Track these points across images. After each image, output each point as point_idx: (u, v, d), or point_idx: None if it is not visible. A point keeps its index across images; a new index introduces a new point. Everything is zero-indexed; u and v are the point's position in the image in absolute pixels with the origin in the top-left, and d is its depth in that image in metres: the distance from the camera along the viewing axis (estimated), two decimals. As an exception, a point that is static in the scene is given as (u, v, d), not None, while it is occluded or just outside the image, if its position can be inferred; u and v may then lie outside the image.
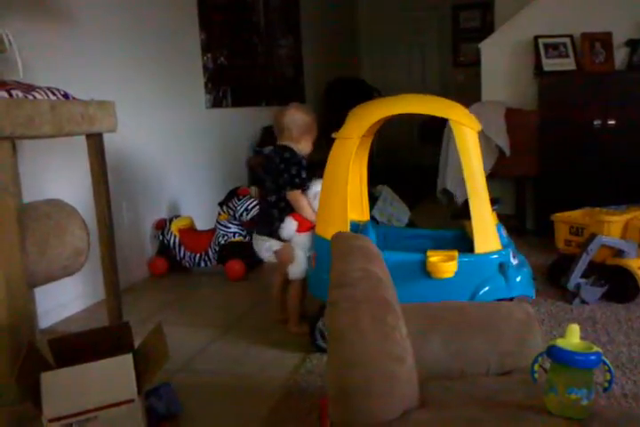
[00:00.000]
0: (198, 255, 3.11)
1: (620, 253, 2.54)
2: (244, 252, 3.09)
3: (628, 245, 2.53)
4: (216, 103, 3.88)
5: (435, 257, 2.00)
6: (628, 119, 3.46)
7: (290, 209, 2.30)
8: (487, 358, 1.45)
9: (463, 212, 2.16)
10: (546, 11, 3.73)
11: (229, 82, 4.03)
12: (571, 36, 3.69)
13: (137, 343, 1.79)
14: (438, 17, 6.39)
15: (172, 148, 3.47)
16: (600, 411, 1.10)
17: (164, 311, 2.67)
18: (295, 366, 2.06)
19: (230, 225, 3.08)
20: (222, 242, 3.07)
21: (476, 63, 4.07)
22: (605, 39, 3.63)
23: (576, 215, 2.68)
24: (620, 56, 3.65)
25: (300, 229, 2.28)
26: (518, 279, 2.04)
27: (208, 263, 3.12)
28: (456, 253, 1.99)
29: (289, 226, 2.27)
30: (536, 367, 1.13)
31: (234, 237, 3.08)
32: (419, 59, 6.55)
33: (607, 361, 1.08)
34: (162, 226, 3.18)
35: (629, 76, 3.58)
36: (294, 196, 2.28)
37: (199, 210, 3.54)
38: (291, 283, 2.36)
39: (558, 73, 3.65)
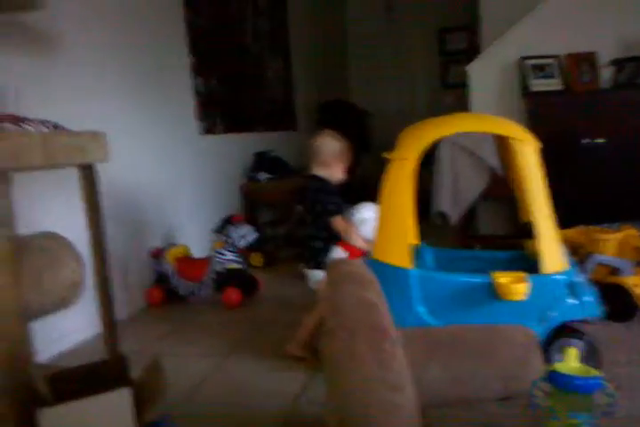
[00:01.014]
0: (195, 284, 3.10)
1: (615, 271, 2.54)
2: (241, 279, 3.08)
3: (624, 263, 2.53)
4: (209, 130, 3.91)
5: (503, 278, 1.95)
6: (616, 137, 3.50)
7: (336, 238, 2.27)
8: (489, 382, 1.44)
9: (524, 231, 2.13)
10: (531, 32, 3.79)
11: (221, 107, 4.06)
12: (557, 57, 3.76)
13: (135, 375, 1.76)
14: (425, 40, 6.50)
15: (167, 175, 3.48)
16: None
17: (162, 342, 2.65)
18: (295, 396, 2.03)
19: (226, 252, 3.07)
20: (219, 270, 3.06)
21: (463, 85, 4.12)
22: (590, 59, 3.70)
23: (571, 234, 2.69)
24: (606, 75, 3.71)
25: (350, 258, 2.22)
26: (587, 299, 1.99)
27: (205, 292, 3.10)
28: (524, 275, 1.95)
29: (338, 256, 2.22)
30: (535, 393, 1.13)
31: (230, 264, 3.07)
32: (407, 81, 6.63)
33: (607, 384, 1.08)
34: (158, 255, 3.17)
35: (616, 95, 3.63)
36: (337, 223, 2.25)
37: (194, 238, 3.54)
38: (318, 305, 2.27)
39: (545, 93, 3.70)
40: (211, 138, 3.95)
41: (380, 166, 2.11)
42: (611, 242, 2.60)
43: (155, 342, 2.65)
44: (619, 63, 3.66)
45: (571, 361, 1.11)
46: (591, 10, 3.63)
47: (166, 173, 3.48)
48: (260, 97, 4.69)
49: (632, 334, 2.40)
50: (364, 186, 5.05)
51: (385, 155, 2.08)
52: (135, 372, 1.77)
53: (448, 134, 2.09)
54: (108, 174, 2.88)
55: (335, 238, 2.27)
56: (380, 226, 2.10)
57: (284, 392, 2.06)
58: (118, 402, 1.61)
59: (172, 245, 3.25)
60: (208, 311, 3.05)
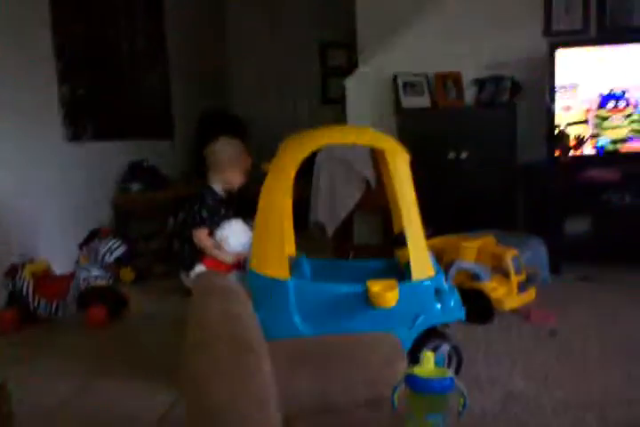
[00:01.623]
0: (55, 303, 2.86)
1: (475, 276, 2.71)
2: (108, 296, 2.90)
3: (482, 269, 2.71)
4: (76, 136, 3.68)
5: (376, 287, 1.98)
6: (478, 152, 3.76)
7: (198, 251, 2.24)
8: (355, 389, 1.46)
9: (396, 240, 2.20)
10: (403, 51, 3.97)
11: (90, 114, 3.85)
12: (426, 75, 3.98)
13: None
14: (307, 54, 6.62)
15: (26, 184, 3.22)
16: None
17: (16, 368, 2.38)
18: (163, 415, 1.93)
19: (91, 268, 2.88)
20: (83, 287, 2.85)
21: (343, 100, 4.23)
22: (456, 78, 3.96)
23: (435, 242, 2.82)
24: (470, 94, 3.98)
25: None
26: (452, 303, 2.09)
27: (67, 311, 2.88)
28: (395, 282, 1.99)
29: (200, 271, 2.21)
30: (395, 396, 1.15)
31: (95, 280, 2.88)
32: (289, 94, 6.70)
33: (461, 385, 1.13)
34: (12, 272, 2.89)
35: (478, 113, 3.91)
36: (198, 236, 2.29)
37: (57, 253, 3.27)
38: None
39: (415, 110, 3.90)
40: (78, 145, 3.72)
41: (261, 178, 2.10)
42: (470, 249, 2.77)
43: (6, 369, 2.39)
44: (480, 83, 3.95)
45: (427, 364, 1.14)
46: (457, 32, 3.88)
47: (27, 182, 3.22)
48: (135, 104, 4.50)
49: (489, 335, 2.57)
50: (244, 197, 5.02)
51: (263, 166, 2.07)
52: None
53: (325, 145, 2.12)
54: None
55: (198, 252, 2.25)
56: (257, 237, 2.08)
57: (147, 416, 1.95)
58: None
59: (30, 260, 2.99)
60: (70, 332, 2.82)
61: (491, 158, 3.75)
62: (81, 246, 2.92)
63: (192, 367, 1.06)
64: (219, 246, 2.28)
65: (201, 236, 2.28)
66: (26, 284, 2.85)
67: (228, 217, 2.40)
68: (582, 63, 3.54)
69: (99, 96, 3.96)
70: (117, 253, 2.87)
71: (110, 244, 2.88)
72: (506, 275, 2.73)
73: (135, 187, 4.08)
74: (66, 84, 3.59)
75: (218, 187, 2.53)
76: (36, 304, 2.85)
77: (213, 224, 2.34)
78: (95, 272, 2.88)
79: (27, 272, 2.88)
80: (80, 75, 3.74)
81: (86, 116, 3.80)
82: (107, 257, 2.87)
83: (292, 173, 2.07)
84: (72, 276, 2.89)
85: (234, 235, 2.28)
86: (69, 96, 3.63)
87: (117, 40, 4.31)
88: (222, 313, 1.21)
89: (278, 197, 2.05)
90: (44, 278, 2.92)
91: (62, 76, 3.56)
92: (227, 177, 2.42)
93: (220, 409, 1.02)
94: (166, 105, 5.04)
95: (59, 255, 3.24)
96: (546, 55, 3.57)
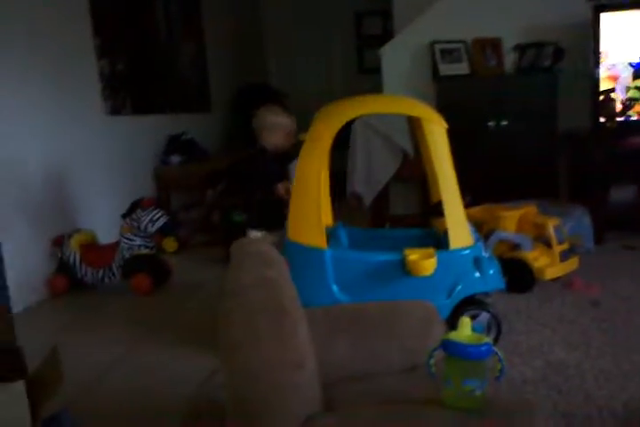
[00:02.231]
0: (101, 271, 2.96)
1: (516, 246, 2.67)
2: (151, 265, 2.99)
3: (523, 239, 2.66)
4: (115, 110, 3.74)
5: (413, 255, 1.99)
6: (519, 120, 3.66)
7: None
8: (391, 356, 1.47)
9: (434, 209, 2.20)
10: (440, 18, 3.87)
11: (130, 89, 3.89)
12: (464, 42, 3.86)
13: (32, 368, 1.67)
14: (342, 24, 6.50)
15: (70, 158, 3.30)
16: (494, 400, 1.14)
17: (66, 332, 2.52)
18: (204, 380, 1.99)
19: (135, 238, 2.96)
20: (127, 256, 2.94)
21: (379, 70, 4.16)
22: (495, 44, 3.83)
23: (475, 212, 2.79)
24: (510, 60, 3.86)
25: None
26: (491, 273, 2.08)
27: (112, 279, 2.98)
28: (433, 251, 2.00)
29: None
30: (432, 362, 1.16)
31: (139, 249, 2.96)
32: (325, 65, 6.63)
33: (498, 351, 1.12)
34: (60, 242, 3.00)
35: (518, 80, 3.79)
36: (280, 188, 2.49)
37: (102, 223, 3.38)
38: None
39: (454, 77, 3.80)
40: (118, 119, 3.77)
41: (299, 148, 2.11)
42: (511, 219, 2.72)
43: (57, 332, 2.52)
44: (521, 49, 3.82)
45: (464, 330, 1.14)
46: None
47: (71, 155, 3.30)
48: (172, 78, 4.53)
49: (530, 304, 2.54)
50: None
51: (300, 136, 2.07)
52: (32, 364, 1.68)
53: (361, 115, 2.11)
54: (5, 153, 2.72)
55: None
56: (294, 206, 2.09)
57: (191, 379, 2.01)
58: (11, 397, 1.52)
59: (77, 231, 3.09)
60: (116, 300, 2.93)
61: (532, 126, 3.65)
62: (124, 217, 3.00)
63: (228, 332, 1.08)
64: None
65: (284, 189, 2.45)
66: (73, 253, 2.96)
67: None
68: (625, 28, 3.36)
69: (136, 71, 4.00)
70: (159, 224, 2.93)
71: (152, 214, 2.95)
72: (548, 244, 2.68)
73: (175, 159, 4.14)
74: (104, 58, 3.63)
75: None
76: (83, 272, 2.97)
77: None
78: (138, 241, 2.96)
79: (73, 242, 2.98)
80: (118, 50, 3.78)
81: (125, 90, 3.84)
82: (149, 227, 2.94)
83: (329, 143, 2.06)
84: (116, 245, 2.98)
85: None
86: (108, 71, 3.68)
87: (154, 14, 4.32)
88: (259, 279, 1.22)
89: (315, 166, 2.04)
90: (90, 248, 3.02)
91: (101, 52, 3.59)
92: (269, 140, 2.57)
93: (256, 373, 1.04)
94: (203, 78, 5.05)
95: (104, 226, 3.34)
96: (589, 19, 3.41)
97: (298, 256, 2.05)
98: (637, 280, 2.75)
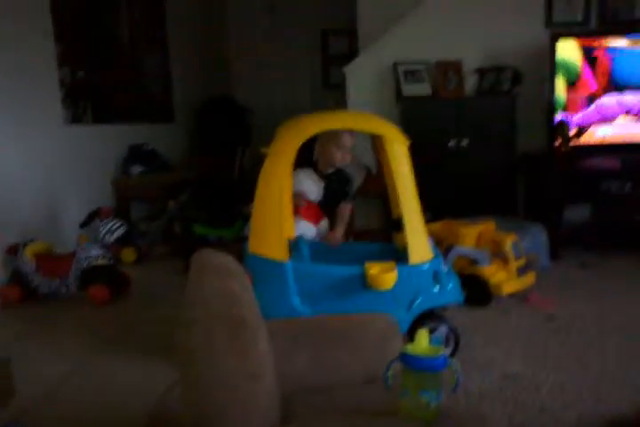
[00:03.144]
0: (57, 282, 2.88)
1: (474, 262, 2.73)
2: (109, 275, 2.92)
3: (481, 255, 2.72)
4: (76, 119, 3.68)
5: (374, 269, 2.01)
6: (479, 140, 3.75)
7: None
8: (351, 368, 1.48)
9: (395, 224, 2.23)
10: (403, 38, 3.95)
11: (91, 97, 3.84)
12: (427, 63, 3.95)
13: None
14: (308, 41, 6.58)
15: (28, 166, 3.22)
16: (449, 412, 1.15)
17: (18, 344, 2.43)
18: (162, 393, 1.95)
19: (92, 248, 2.89)
20: (84, 266, 2.87)
21: (345, 85, 4.21)
22: (457, 67, 3.93)
23: (435, 227, 2.84)
24: (470, 82, 3.96)
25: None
26: (450, 286, 2.12)
27: (68, 289, 2.90)
28: (394, 265, 2.02)
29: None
30: (389, 374, 1.17)
31: (97, 260, 2.90)
32: (291, 80, 6.67)
33: (454, 363, 1.14)
34: (14, 251, 2.91)
35: (478, 102, 3.90)
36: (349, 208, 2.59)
37: (59, 233, 3.30)
38: None
39: (416, 98, 3.88)
40: (79, 128, 3.71)
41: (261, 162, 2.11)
42: (470, 235, 2.78)
43: (8, 344, 2.42)
44: (481, 72, 3.93)
45: (421, 342, 1.15)
46: (459, 20, 3.86)
47: (28, 164, 3.22)
48: (135, 88, 4.49)
49: (487, 319, 2.59)
50: (245, 181, 5.03)
51: (262, 149, 2.07)
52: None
53: (325, 130, 2.12)
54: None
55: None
56: (256, 219, 2.09)
57: (150, 391, 1.97)
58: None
59: (32, 240, 3.01)
60: (72, 310, 2.85)
61: (491, 146, 3.76)
62: (82, 226, 2.94)
63: (186, 343, 1.07)
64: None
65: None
66: (27, 263, 2.87)
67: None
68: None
69: (98, 79, 3.95)
70: (118, 234, 2.89)
71: (110, 224, 2.90)
72: (505, 260, 2.74)
73: (135, 170, 4.08)
74: (65, 66, 3.58)
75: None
76: (37, 283, 2.88)
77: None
78: (96, 252, 2.89)
79: (27, 252, 2.90)
80: (79, 57, 3.73)
81: (86, 98, 3.79)
82: (107, 237, 2.89)
83: (291, 157, 2.08)
84: (73, 255, 2.91)
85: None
86: (69, 79, 3.62)
87: (117, 23, 4.30)
88: (218, 291, 1.21)
89: (277, 180, 2.06)
90: (46, 258, 2.94)
91: (62, 59, 3.54)
92: (334, 157, 2.58)
93: (213, 384, 1.04)
94: (166, 89, 5.02)
95: (61, 236, 3.26)
96: (547, 46, 3.55)
97: (259, 268, 2.05)
98: (591, 296, 2.84)
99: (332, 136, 2.51)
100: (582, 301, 2.77)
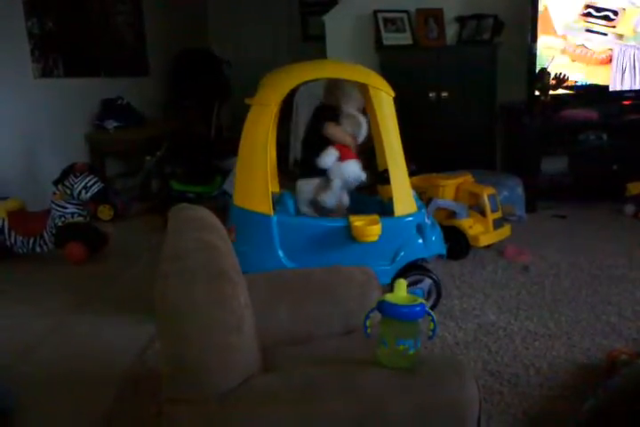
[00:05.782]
0: (32, 239, 2.84)
1: (453, 214, 2.74)
2: (85, 233, 2.89)
3: (460, 207, 2.74)
4: (46, 73, 3.54)
5: (358, 221, 2.00)
6: (459, 91, 3.71)
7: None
8: (332, 319, 1.49)
9: (380, 177, 2.21)
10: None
11: (61, 50, 3.69)
12: (407, 12, 3.85)
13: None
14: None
15: (-4, 122, 3.12)
16: (426, 359, 1.17)
17: (-4, 302, 2.43)
18: (142, 349, 1.97)
19: (67, 205, 2.83)
20: (59, 224, 2.83)
21: (323, 37, 4.09)
22: (437, 15, 3.84)
23: (415, 181, 2.82)
24: (451, 32, 3.88)
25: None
26: (433, 239, 2.14)
27: (44, 248, 2.86)
28: (378, 217, 2.01)
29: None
30: (368, 323, 1.18)
31: (72, 217, 2.84)
32: (269, 31, 6.48)
33: (431, 312, 1.15)
34: (-14, 210, 2.85)
35: (459, 51, 3.83)
36: (330, 129, 2.30)
37: (31, 190, 3.22)
38: None
39: (396, 47, 3.80)
40: (49, 82, 3.58)
41: (240, 116, 2.06)
42: (449, 188, 2.79)
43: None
44: (462, 20, 3.84)
45: (399, 291, 1.16)
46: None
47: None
48: (107, 39, 4.32)
49: (464, 270, 2.63)
50: (221, 135, 4.94)
51: (246, 100, 2.02)
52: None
53: (309, 80, 2.08)
54: None
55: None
56: (241, 172, 2.07)
57: (127, 348, 1.98)
58: None
59: (4, 198, 2.94)
60: (48, 269, 2.83)
61: (471, 98, 3.72)
62: (56, 183, 2.87)
63: (166, 296, 1.06)
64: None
65: (333, 129, 2.31)
66: (1, 221, 2.82)
67: None
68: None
69: (69, 30, 3.78)
70: (94, 190, 2.83)
71: (86, 181, 2.83)
72: (482, 213, 2.76)
73: (110, 124, 3.98)
74: (33, 17, 3.41)
75: None
76: (12, 241, 2.84)
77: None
78: (71, 209, 2.84)
79: (0, 210, 2.83)
80: (48, 7, 3.55)
81: (56, 51, 3.63)
82: (82, 194, 2.83)
83: (275, 108, 2.03)
84: (48, 213, 2.86)
85: None
86: (37, 30, 3.46)
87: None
88: (198, 244, 1.20)
89: (262, 131, 2.01)
90: (19, 215, 2.88)
91: (30, 9, 3.37)
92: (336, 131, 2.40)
93: (194, 335, 1.04)
94: (140, 40, 4.84)
95: (37, 193, 3.19)
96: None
97: (244, 222, 2.05)
98: (566, 247, 2.89)
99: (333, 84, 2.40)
100: (557, 252, 2.82)
